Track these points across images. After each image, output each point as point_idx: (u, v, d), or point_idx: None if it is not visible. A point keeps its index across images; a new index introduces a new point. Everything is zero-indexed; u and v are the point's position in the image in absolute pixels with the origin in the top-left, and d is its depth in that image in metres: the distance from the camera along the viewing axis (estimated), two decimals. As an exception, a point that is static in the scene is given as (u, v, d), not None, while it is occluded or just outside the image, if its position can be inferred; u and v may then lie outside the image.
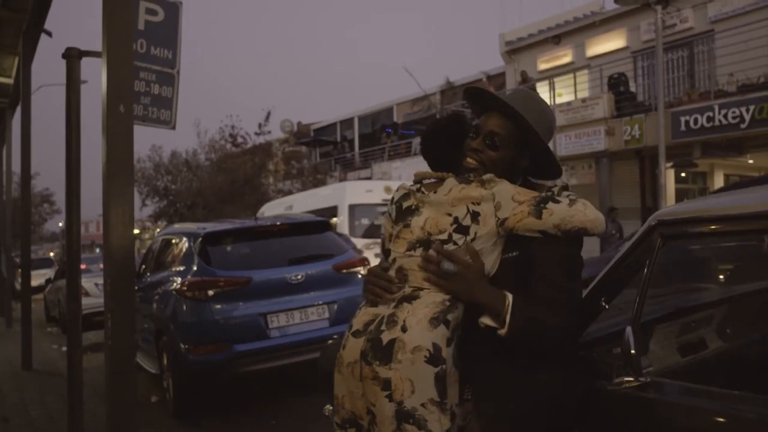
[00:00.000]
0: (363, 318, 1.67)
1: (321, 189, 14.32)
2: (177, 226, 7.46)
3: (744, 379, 1.67)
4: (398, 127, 25.07)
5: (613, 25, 16.22)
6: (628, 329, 1.56)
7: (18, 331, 7.44)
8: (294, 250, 5.33)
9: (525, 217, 1.57)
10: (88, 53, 4.16)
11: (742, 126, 11.36)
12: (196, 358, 4.65)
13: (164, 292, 5.17)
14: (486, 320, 1.55)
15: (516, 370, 1.57)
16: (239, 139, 23.09)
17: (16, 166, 8.99)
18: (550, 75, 17.20)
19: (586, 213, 1.57)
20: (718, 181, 14.76)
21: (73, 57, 4.10)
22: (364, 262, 5.51)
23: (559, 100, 15.61)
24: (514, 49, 18.92)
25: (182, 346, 4.70)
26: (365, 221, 10.01)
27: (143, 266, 6.43)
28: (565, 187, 1.70)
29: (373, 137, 26.84)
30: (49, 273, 18.22)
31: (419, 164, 2.04)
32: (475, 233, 1.61)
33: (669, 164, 12.53)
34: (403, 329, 1.54)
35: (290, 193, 19.82)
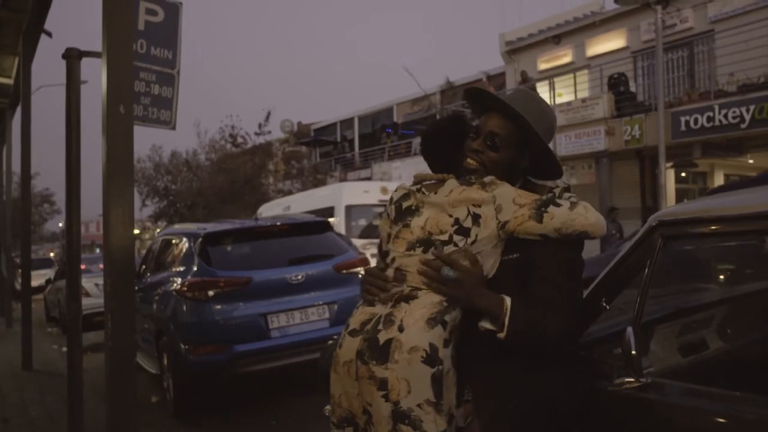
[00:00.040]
0: (360, 317, 1.66)
1: (318, 190, 14.36)
2: (177, 227, 7.47)
3: (745, 380, 1.67)
4: (398, 127, 25.06)
5: (613, 25, 16.22)
6: (629, 330, 1.56)
7: (18, 332, 7.44)
8: (294, 251, 5.33)
9: (526, 221, 1.57)
10: (88, 53, 4.16)
11: (743, 126, 11.36)
12: (196, 359, 4.64)
13: (164, 293, 5.17)
14: (485, 324, 1.55)
15: (516, 371, 1.57)
16: (239, 139, 23.12)
17: (16, 166, 9.00)
18: (550, 75, 17.20)
19: (587, 217, 1.56)
20: (719, 181, 14.74)
21: (73, 57, 4.10)
22: (364, 262, 5.50)
23: (559, 100, 15.61)
24: (514, 49, 18.92)
25: (182, 346, 4.70)
26: (362, 222, 10.07)
27: (143, 266, 6.43)
28: (567, 189, 1.69)
29: (373, 137, 26.84)
30: (49, 273, 18.20)
31: (419, 164, 2.04)
32: (476, 235, 1.61)
33: (669, 164, 12.53)
34: (400, 329, 1.53)
35: (290, 193, 19.84)
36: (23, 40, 6.80)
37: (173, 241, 5.82)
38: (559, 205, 1.58)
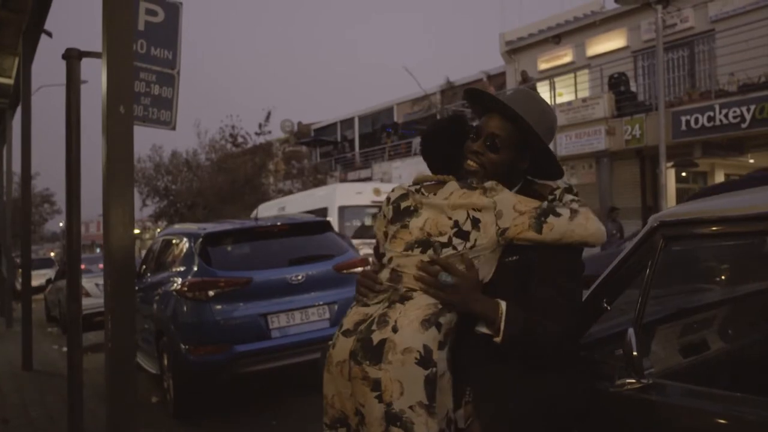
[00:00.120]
0: (354, 317, 1.66)
1: (313, 190, 14.41)
2: (177, 227, 7.46)
3: (746, 381, 1.66)
4: (398, 127, 25.07)
5: (613, 25, 16.22)
6: (630, 330, 1.56)
7: (18, 332, 7.44)
8: (294, 251, 5.32)
9: (525, 230, 1.57)
10: (88, 54, 4.16)
11: (743, 126, 11.36)
12: (196, 359, 4.64)
13: (165, 293, 5.17)
14: (481, 328, 1.55)
15: (516, 372, 1.57)
16: (239, 139, 23.09)
17: (17, 167, 9.01)
18: (551, 75, 17.19)
19: (587, 227, 1.57)
20: (719, 181, 14.74)
21: (73, 58, 4.10)
22: (364, 262, 5.50)
23: (559, 100, 15.60)
24: (514, 49, 18.92)
25: (183, 346, 4.70)
26: (355, 222, 10.13)
27: (144, 266, 6.43)
28: (569, 189, 1.69)
29: (374, 137, 26.83)
30: (49, 273, 18.19)
31: (419, 164, 2.04)
32: (475, 240, 1.60)
33: (669, 164, 12.53)
34: (395, 330, 1.53)
35: (290, 193, 19.83)
36: (23, 41, 6.80)
37: (173, 241, 5.82)
38: (559, 215, 1.57)
